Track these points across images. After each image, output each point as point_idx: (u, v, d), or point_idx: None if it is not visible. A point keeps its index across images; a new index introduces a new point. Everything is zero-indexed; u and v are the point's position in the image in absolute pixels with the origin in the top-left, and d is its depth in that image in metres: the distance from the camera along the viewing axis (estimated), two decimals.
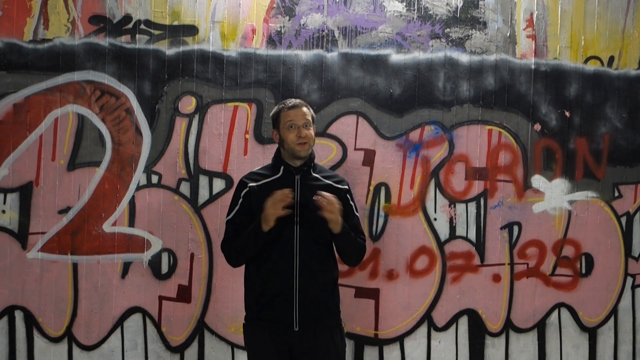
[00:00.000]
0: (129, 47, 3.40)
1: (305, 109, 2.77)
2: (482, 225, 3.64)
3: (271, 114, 2.84)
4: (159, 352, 3.47)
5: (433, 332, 3.63)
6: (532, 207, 3.68)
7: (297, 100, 2.80)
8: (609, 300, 3.79)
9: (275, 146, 3.47)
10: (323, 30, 3.51)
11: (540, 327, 3.72)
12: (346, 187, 2.85)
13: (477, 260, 3.65)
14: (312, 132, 2.77)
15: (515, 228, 3.67)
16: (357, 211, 2.88)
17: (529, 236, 3.69)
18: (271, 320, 2.71)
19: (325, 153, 3.49)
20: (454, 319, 3.65)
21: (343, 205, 2.73)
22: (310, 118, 2.77)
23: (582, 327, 3.76)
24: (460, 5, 3.60)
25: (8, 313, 3.40)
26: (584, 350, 3.77)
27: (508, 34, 3.64)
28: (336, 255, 2.85)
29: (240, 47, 3.46)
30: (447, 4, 3.59)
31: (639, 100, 3.77)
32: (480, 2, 3.62)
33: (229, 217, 2.79)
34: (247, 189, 2.76)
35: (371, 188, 3.54)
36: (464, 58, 3.60)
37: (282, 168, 2.79)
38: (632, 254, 3.81)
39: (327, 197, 2.62)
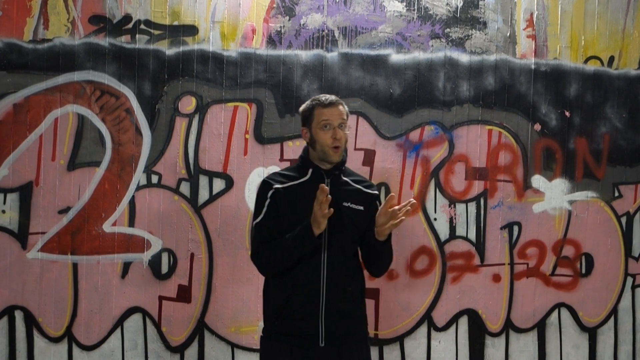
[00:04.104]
0: (129, 47, 3.40)
1: (341, 107, 2.55)
2: (482, 225, 3.64)
3: (302, 109, 2.60)
4: (159, 352, 3.47)
5: (433, 332, 3.63)
6: (532, 207, 3.68)
7: (334, 97, 2.57)
8: (609, 300, 3.79)
9: (276, 146, 3.49)
10: (323, 30, 3.51)
11: (540, 327, 3.72)
12: (376, 192, 2.67)
13: (477, 260, 3.65)
14: (347, 133, 2.56)
15: (515, 228, 3.67)
16: None
17: (529, 236, 3.69)
18: (294, 334, 2.51)
19: None
20: (454, 319, 3.65)
21: (373, 211, 2.56)
22: (345, 117, 2.55)
23: (582, 327, 3.76)
24: (460, 5, 3.60)
25: (8, 313, 3.40)
26: (584, 350, 3.78)
27: (508, 34, 3.64)
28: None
29: (240, 47, 3.46)
30: (447, 4, 3.59)
31: (639, 100, 3.77)
32: (480, 2, 3.62)
33: (257, 220, 2.56)
34: (273, 190, 2.54)
35: None
36: (464, 58, 3.60)
37: (310, 171, 2.57)
38: (632, 254, 3.81)
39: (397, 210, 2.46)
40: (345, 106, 2.60)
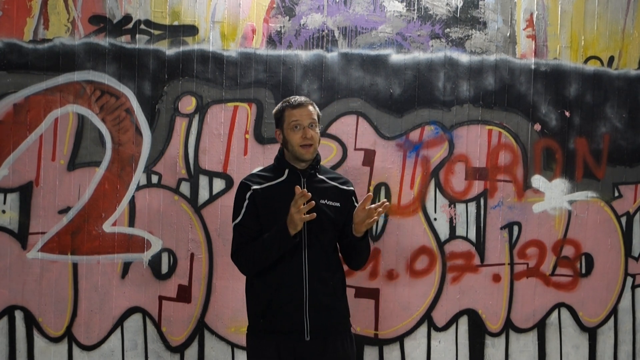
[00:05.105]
0: (129, 47, 3.40)
1: (311, 107, 2.62)
2: (482, 225, 3.64)
3: (274, 111, 2.69)
4: (159, 352, 3.47)
5: (433, 332, 3.63)
6: (532, 207, 3.68)
7: (303, 98, 2.65)
8: (609, 300, 3.79)
9: (276, 146, 3.48)
10: (323, 30, 3.51)
11: (540, 327, 3.72)
12: (352, 188, 2.75)
13: (477, 260, 3.65)
14: (317, 132, 2.62)
15: (515, 228, 3.67)
16: None
17: (529, 236, 3.69)
18: (280, 331, 2.57)
19: (325, 153, 3.49)
20: (454, 319, 3.65)
21: (349, 207, 2.66)
22: (316, 117, 2.62)
23: (582, 327, 3.76)
24: (460, 5, 3.60)
25: (8, 313, 3.40)
26: (584, 350, 3.78)
27: (508, 34, 3.64)
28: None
29: (240, 47, 3.46)
30: (447, 4, 3.59)
31: (639, 100, 3.77)
32: (480, 2, 3.62)
33: (237, 221, 2.62)
34: (251, 191, 2.61)
35: (371, 188, 3.54)
36: (464, 58, 3.60)
37: (286, 171, 2.64)
38: (632, 254, 3.81)
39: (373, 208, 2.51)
40: (316, 107, 2.67)
